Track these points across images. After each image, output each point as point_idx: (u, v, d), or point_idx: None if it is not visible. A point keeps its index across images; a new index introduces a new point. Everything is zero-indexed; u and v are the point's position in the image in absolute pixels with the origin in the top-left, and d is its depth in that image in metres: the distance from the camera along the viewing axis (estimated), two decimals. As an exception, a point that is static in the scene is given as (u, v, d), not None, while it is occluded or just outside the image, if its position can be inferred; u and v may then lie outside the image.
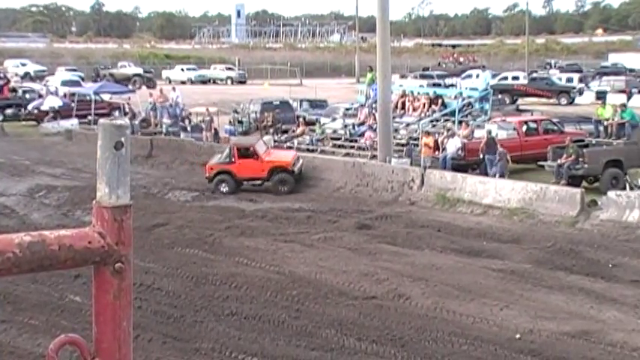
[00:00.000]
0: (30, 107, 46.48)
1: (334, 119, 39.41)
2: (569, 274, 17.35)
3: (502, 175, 26.90)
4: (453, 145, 29.51)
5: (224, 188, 27.12)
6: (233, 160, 27.49)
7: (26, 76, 74.70)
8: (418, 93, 40.14)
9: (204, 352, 13.06)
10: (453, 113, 36.09)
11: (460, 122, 33.94)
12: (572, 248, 19.19)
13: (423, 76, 68.37)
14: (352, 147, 35.57)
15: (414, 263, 17.97)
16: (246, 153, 27.72)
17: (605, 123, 34.52)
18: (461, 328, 14.12)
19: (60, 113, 43.91)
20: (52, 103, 46.37)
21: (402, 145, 32.93)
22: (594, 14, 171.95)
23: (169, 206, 24.66)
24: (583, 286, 16.50)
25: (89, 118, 42.00)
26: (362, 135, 36.29)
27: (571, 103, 55.50)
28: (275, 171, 27.38)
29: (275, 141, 36.57)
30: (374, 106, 35.09)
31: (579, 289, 16.30)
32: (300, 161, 28.31)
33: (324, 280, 16.77)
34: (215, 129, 37.59)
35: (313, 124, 39.62)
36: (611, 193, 22.45)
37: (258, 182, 27.51)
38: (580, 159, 26.36)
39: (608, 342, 13.49)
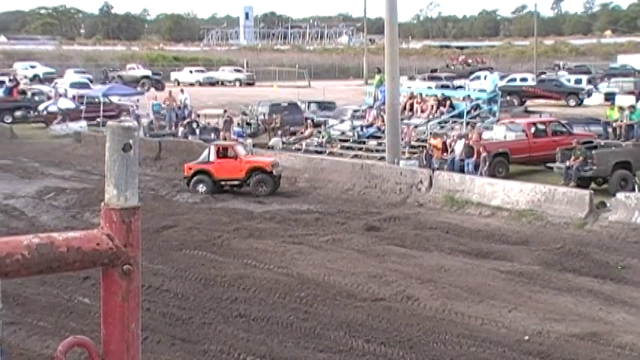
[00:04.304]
0: (41, 108, 46.60)
1: (342, 121, 39.42)
2: (578, 276, 17.32)
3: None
4: (461, 147, 29.48)
5: (202, 189, 26.92)
6: (212, 160, 27.38)
7: (35, 79, 74.85)
8: (426, 95, 40.12)
9: (212, 354, 13.06)
10: (461, 115, 36.06)
11: (468, 124, 33.91)
12: (580, 250, 19.14)
13: (431, 78, 68.43)
14: (360, 149, 35.57)
15: (422, 265, 17.95)
16: (225, 153, 27.57)
17: (614, 124, 34.50)
18: (469, 329, 14.10)
19: (69, 115, 44.01)
20: (64, 105, 46.52)
21: (413, 147, 32.97)
22: (603, 16, 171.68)
23: (178, 208, 24.69)
24: (592, 287, 16.46)
25: (98, 120, 42.09)
26: (370, 137, 36.32)
27: (580, 104, 55.36)
28: (253, 172, 27.13)
29: (283, 142, 36.60)
30: (382, 107, 35.07)
31: (588, 290, 16.26)
32: (280, 167, 28.04)
33: (332, 282, 16.76)
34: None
35: (321, 125, 39.65)
36: (620, 195, 22.38)
37: (236, 183, 27.27)
38: (589, 160, 26.31)
39: (617, 344, 13.45)
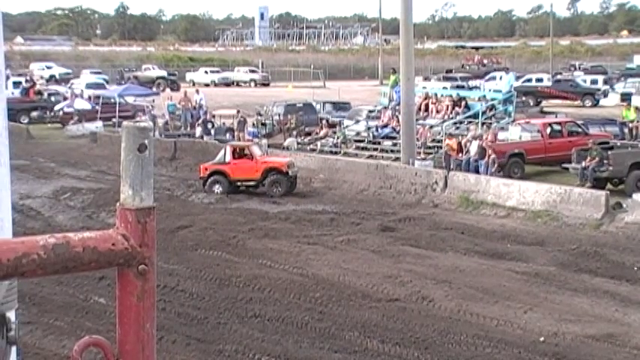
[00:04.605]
0: (57, 108, 46.79)
1: (357, 121, 39.38)
2: (594, 277, 17.26)
3: None
4: (476, 148, 29.42)
5: (218, 189, 26.97)
6: (227, 160, 27.43)
7: (51, 79, 75.17)
8: (441, 95, 40.04)
9: (227, 354, 13.09)
10: (476, 115, 35.99)
11: (483, 124, 33.85)
12: (596, 251, 19.08)
13: (446, 78, 68.31)
14: (375, 149, 35.55)
15: (437, 265, 17.93)
16: (241, 154, 27.60)
17: (631, 125, 34.39)
18: (484, 330, 14.07)
19: (85, 116, 44.19)
20: (80, 105, 46.72)
21: (429, 148, 32.97)
22: (619, 16, 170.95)
23: (193, 208, 24.74)
24: (608, 288, 16.40)
25: (113, 120, 42.25)
26: (385, 137, 36.30)
27: (596, 105, 55.19)
28: (269, 172, 27.15)
29: (298, 143, 36.63)
30: (397, 108, 35.04)
31: (604, 291, 16.20)
32: (296, 168, 28.05)
33: (347, 283, 16.77)
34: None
35: (336, 126, 39.65)
36: (637, 196, 22.30)
37: (252, 183, 27.32)
38: (605, 161, 26.21)
39: (633, 345, 13.40)
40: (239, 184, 27.28)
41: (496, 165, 28.09)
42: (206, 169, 27.51)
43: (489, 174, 27.45)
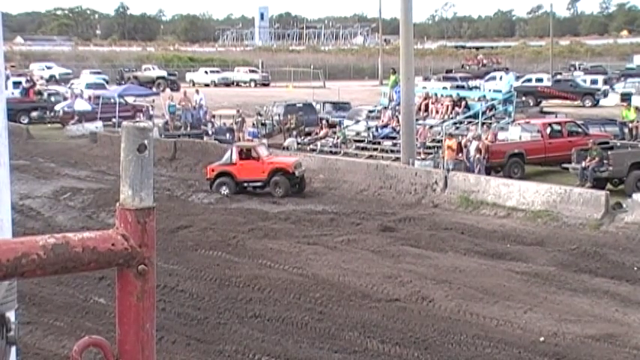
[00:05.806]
0: (57, 108, 46.76)
1: (357, 121, 39.37)
2: (594, 277, 17.26)
3: None
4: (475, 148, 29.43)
5: (224, 190, 26.88)
6: (234, 161, 27.35)
7: (51, 79, 75.06)
8: (441, 95, 40.04)
9: (227, 354, 13.08)
10: (476, 115, 35.98)
11: (483, 125, 33.85)
12: (596, 251, 19.08)
13: (446, 79, 68.25)
14: (375, 149, 35.55)
15: (437, 266, 17.92)
16: (247, 154, 27.50)
17: (630, 125, 34.39)
18: (484, 330, 14.07)
19: (85, 116, 44.16)
20: (80, 105, 46.68)
21: (428, 148, 32.97)
22: (619, 16, 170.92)
23: (193, 208, 24.72)
24: (608, 288, 16.40)
25: (113, 120, 42.21)
26: (385, 137, 36.30)
27: (595, 105, 55.18)
28: (275, 173, 27.07)
29: (298, 143, 36.62)
30: (397, 108, 35.04)
31: (604, 291, 16.20)
32: (303, 167, 27.96)
33: (347, 283, 16.76)
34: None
35: (336, 126, 39.66)
36: (636, 196, 22.27)
37: (259, 184, 27.23)
38: (605, 161, 26.20)
39: (633, 345, 13.40)
40: (245, 184, 27.18)
41: (478, 167, 28.10)
42: (213, 170, 27.36)
43: (477, 172, 27.54)
